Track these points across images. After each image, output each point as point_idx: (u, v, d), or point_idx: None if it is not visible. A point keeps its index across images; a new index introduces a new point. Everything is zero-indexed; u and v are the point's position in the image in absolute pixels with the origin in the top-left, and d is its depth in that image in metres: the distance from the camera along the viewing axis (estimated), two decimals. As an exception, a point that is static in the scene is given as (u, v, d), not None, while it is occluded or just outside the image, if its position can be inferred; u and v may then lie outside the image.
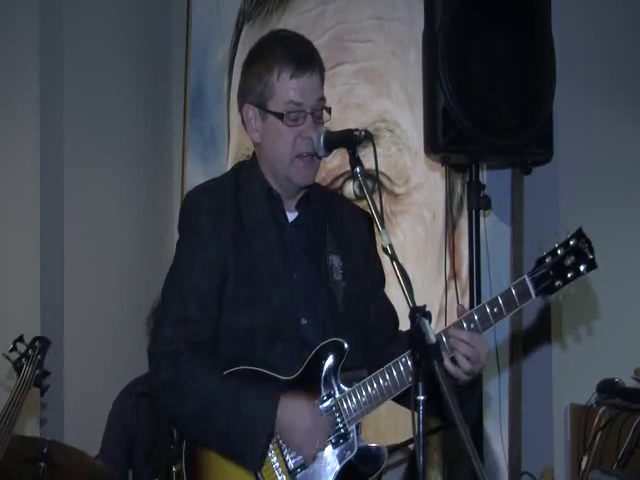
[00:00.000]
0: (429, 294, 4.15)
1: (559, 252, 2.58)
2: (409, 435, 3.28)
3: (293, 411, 2.61)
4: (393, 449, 3.82)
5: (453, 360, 2.59)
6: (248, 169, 2.83)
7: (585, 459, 3.75)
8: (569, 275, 2.58)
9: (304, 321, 2.71)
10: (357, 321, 2.77)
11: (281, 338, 2.69)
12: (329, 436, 2.64)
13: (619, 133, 4.14)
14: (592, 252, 2.58)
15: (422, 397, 2.30)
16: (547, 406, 4.00)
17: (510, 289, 2.60)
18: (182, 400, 2.65)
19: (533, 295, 2.59)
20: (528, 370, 4.06)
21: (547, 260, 2.59)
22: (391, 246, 2.46)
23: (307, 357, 2.67)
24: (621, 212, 4.11)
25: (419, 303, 2.40)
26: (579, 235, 2.59)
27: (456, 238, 4.13)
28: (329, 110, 2.76)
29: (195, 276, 2.71)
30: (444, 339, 2.59)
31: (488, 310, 2.60)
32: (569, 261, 2.57)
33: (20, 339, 3.92)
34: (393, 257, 2.45)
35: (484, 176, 4.02)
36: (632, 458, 3.62)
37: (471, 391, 2.68)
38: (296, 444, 2.63)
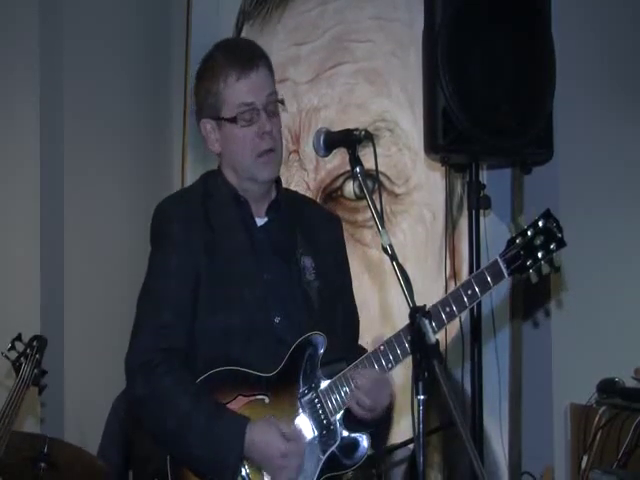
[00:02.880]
0: (429, 294, 4.12)
1: (529, 233, 2.62)
2: (409, 435, 3.30)
3: (262, 442, 2.61)
4: (393, 449, 3.82)
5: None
6: (215, 177, 2.87)
7: (585, 459, 3.75)
8: (539, 254, 2.62)
9: (277, 319, 2.74)
10: (332, 317, 2.80)
11: (256, 336, 2.71)
12: (302, 456, 2.65)
13: (619, 133, 4.14)
14: (560, 231, 2.63)
15: (422, 397, 2.30)
16: (547, 406, 4.01)
17: (483, 271, 2.64)
18: (157, 419, 2.67)
19: (506, 275, 2.63)
20: (528, 370, 4.07)
21: (517, 241, 2.63)
22: (391, 246, 2.47)
23: (283, 354, 2.70)
24: (621, 212, 4.12)
25: (419, 303, 2.41)
26: (547, 215, 2.64)
27: (456, 238, 4.13)
28: (282, 101, 2.80)
29: (168, 282, 2.74)
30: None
31: (462, 293, 2.63)
32: (539, 241, 2.62)
33: (18, 338, 3.91)
34: (393, 257, 2.46)
35: (484, 176, 4.02)
36: (632, 458, 3.63)
37: (380, 427, 2.75)
38: (269, 472, 2.64)
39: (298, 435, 2.66)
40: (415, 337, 2.35)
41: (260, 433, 2.62)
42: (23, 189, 5.23)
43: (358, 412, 2.65)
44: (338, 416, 2.69)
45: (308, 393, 2.69)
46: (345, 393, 2.67)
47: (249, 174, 2.78)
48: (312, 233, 2.85)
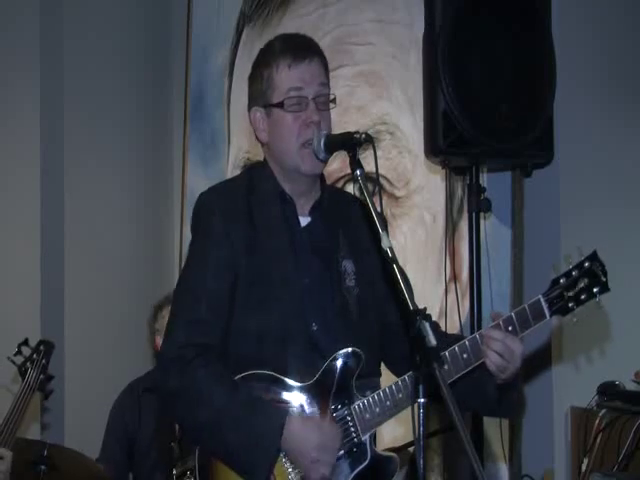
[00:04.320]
0: (429, 297, 4.15)
1: (573, 274, 2.62)
2: (409, 438, 3.29)
3: (299, 434, 2.60)
4: (393, 452, 3.81)
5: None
6: (261, 170, 2.83)
7: (586, 462, 3.75)
8: (582, 297, 2.62)
9: (315, 326, 2.71)
10: (370, 328, 2.77)
11: (291, 342, 2.68)
12: (337, 456, 2.64)
13: (619, 135, 4.14)
14: (605, 275, 2.63)
15: (422, 400, 2.30)
16: (548, 409, 4.00)
17: (525, 308, 2.63)
18: (190, 411, 2.65)
19: (547, 316, 2.63)
20: (529, 373, 4.06)
21: (562, 281, 2.62)
22: (391, 249, 2.46)
23: (317, 362, 2.67)
24: (621, 214, 4.11)
25: (419, 305, 2.40)
26: (593, 258, 2.63)
27: (456, 241, 4.13)
28: (333, 100, 2.76)
29: (206, 277, 2.71)
30: (478, 339, 2.63)
31: (502, 328, 2.63)
32: (583, 283, 2.62)
33: (25, 343, 3.90)
34: (393, 260, 2.45)
35: (484, 179, 4.02)
36: (633, 461, 3.62)
37: (509, 389, 2.71)
38: (302, 466, 2.63)
39: (336, 431, 2.64)
40: (415, 340, 2.35)
41: (298, 425, 2.61)
42: (23, 192, 5.23)
43: (494, 370, 2.62)
44: (369, 434, 2.67)
45: (341, 409, 2.67)
46: (377, 414, 2.65)
47: (293, 164, 2.73)
48: (355, 234, 2.81)
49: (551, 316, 2.62)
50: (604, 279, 2.62)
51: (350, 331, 2.71)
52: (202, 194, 2.82)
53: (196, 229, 2.80)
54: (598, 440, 3.74)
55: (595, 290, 2.61)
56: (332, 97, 2.76)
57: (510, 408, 2.80)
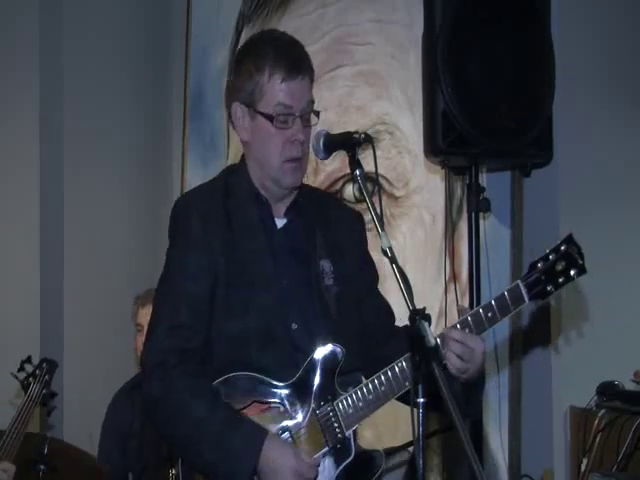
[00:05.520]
0: (429, 296, 4.15)
1: (551, 257, 2.62)
2: (408, 437, 3.29)
3: (277, 457, 2.59)
4: (392, 451, 3.82)
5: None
6: (237, 173, 2.83)
7: (585, 461, 3.75)
8: (560, 280, 2.61)
9: (294, 326, 2.71)
10: (350, 325, 2.77)
11: (273, 343, 2.68)
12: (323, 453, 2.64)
13: (619, 135, 4.14)
14: (582, 258, 2.62)
15: (422, 399, 2.30)
16: (547, 409, 4.00)
17: (504, 294, 2.63)
18: (170, 422, 2.65)
19: (526, 300, 2.62)
20: (528, 373, 4.06)
21: (539, 265, 2.62)
22: (391, 249, 2.46)
23: (299, 361, 2.68)
24: (621, 214, 4.11)
25: (419, 305, 2.40)
26: (569, 241, 2.63)
27: (456, 240, 4.13)
28: (317, 114, 2.77)
29: (187, 281, 2.71)
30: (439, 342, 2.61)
31: (482, 314, 2.62)
32: (560, 266, 2.61)
33: (28, 360, 3.91)
34: (393, 260, 2.45)
35: (484, 179, 4.02)
36: (632, 460, 3.63)
37: (473, 389, 2.70)
38: None
39: (314, 463, 2.62)
40: (414, 339, 2.35)
41: (276, 449, 2.60)
42: (23, 190, 5.23)
43: (454, 371, 2.61)
44: (353, 430, 2.67)
45: (324, 405, 2.67)
46: (360, 407, 2.65)
47: (274, 176, 2.74)
48: (332, 234, 2.81)
49: (530, 300, 2.62)
50: (581, 261, 2.61)
51: (330, 329, 2.71)
52: (179, 198, 2.85)
53: (174, 232, 2.80)
54: (597, 440, 3.74)
55: (572, 273, 2.60)
56: (317, 110, 2.76)
57: (476, 408, 2.81)
